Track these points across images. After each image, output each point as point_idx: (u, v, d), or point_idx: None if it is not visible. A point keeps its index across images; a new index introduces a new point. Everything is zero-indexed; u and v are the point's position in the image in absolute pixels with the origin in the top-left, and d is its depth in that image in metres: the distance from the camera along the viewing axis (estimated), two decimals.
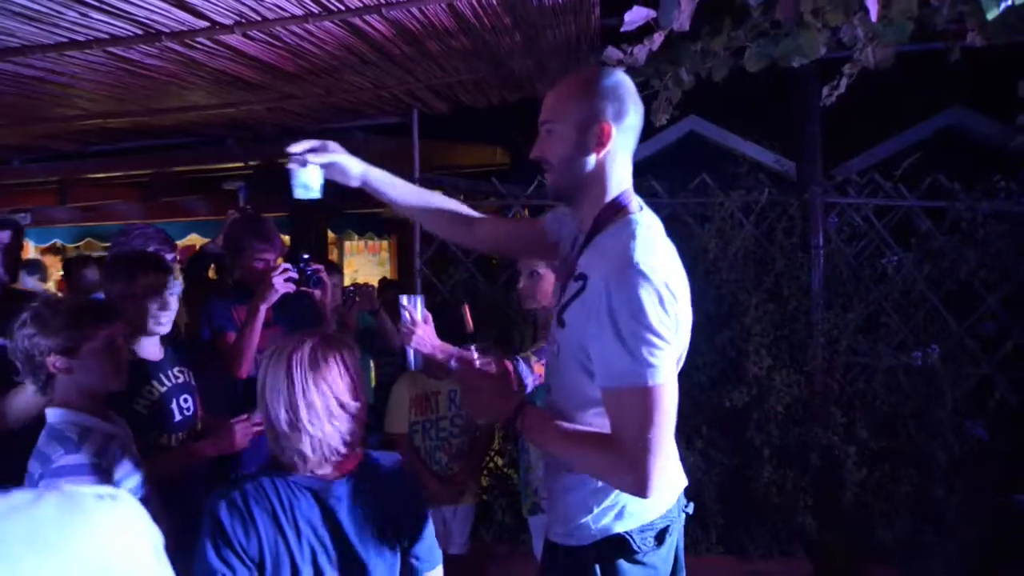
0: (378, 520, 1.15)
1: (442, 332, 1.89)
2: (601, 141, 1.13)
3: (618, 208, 1.17)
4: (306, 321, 2.25)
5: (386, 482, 1.19)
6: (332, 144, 1.48)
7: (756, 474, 2.97)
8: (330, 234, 6.93)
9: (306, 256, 2.27)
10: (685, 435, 2.99)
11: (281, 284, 2.07)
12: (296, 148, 1.42)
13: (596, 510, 1.14)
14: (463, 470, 2.60)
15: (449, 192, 3.91)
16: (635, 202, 1.20)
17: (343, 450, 1.12)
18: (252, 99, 3.42)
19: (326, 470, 1.12)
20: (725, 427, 3.05)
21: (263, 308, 2.06)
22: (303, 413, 1.07)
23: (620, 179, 1.19)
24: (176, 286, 1.85)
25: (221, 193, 5.39)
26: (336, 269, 3.16)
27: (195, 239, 6.05)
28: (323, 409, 1.09)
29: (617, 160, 1.17)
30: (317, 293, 2.25)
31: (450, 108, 3.80)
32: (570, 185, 1.17)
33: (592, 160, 1.15)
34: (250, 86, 3.17)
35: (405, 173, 3.88)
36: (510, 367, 1.28)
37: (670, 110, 2.56)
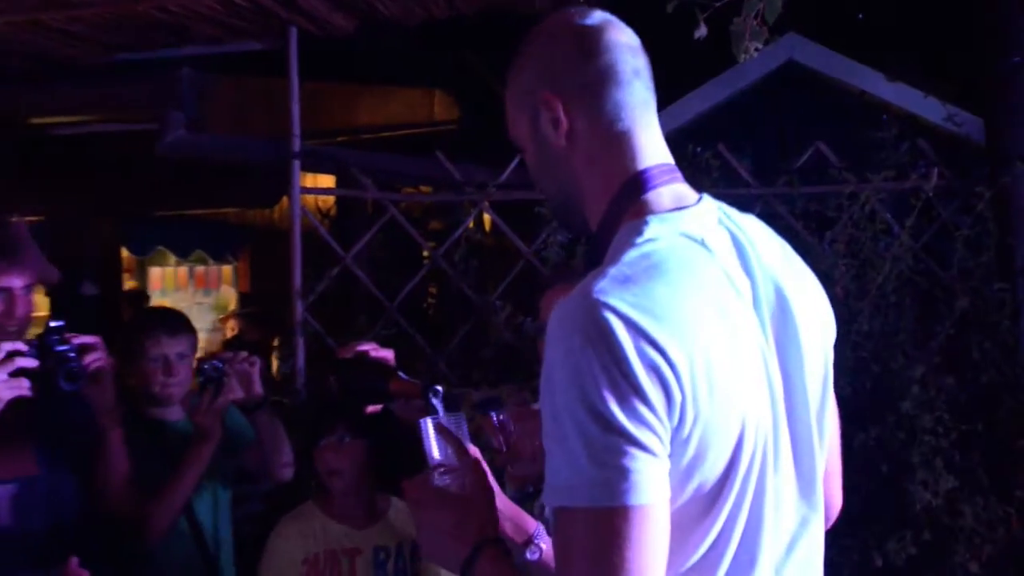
0: None
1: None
2: (555, 121, 1.29)
3: (631, 197, 1.27)
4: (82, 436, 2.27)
5: None
6: None
7: None
8: (125, 254, 6.90)
9: (55, 323, 2.25)
10: None
11: (3, 385, 2.07)
12: None
13: None
14: None
15: (353, 179, 3.96)
16: (668, 192, 1.29)
17: None
18: None
19: None
20: None
21: None
22: None
23: (620, 153, 1.29)
24: None
25: None
26: (180, 323, 3.04)
27: None
28: None
29: (597, 137, 1.30)
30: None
31: (357, 26, 3.85)
32: (569, 202, 1.36)
33: (562, 152, 1.31)
34: None
35: (276, 137, 3.90)
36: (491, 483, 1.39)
37: (762, 35, 2.65)
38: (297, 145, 3.62)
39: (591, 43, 1.29)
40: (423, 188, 4.46)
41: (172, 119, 4.00)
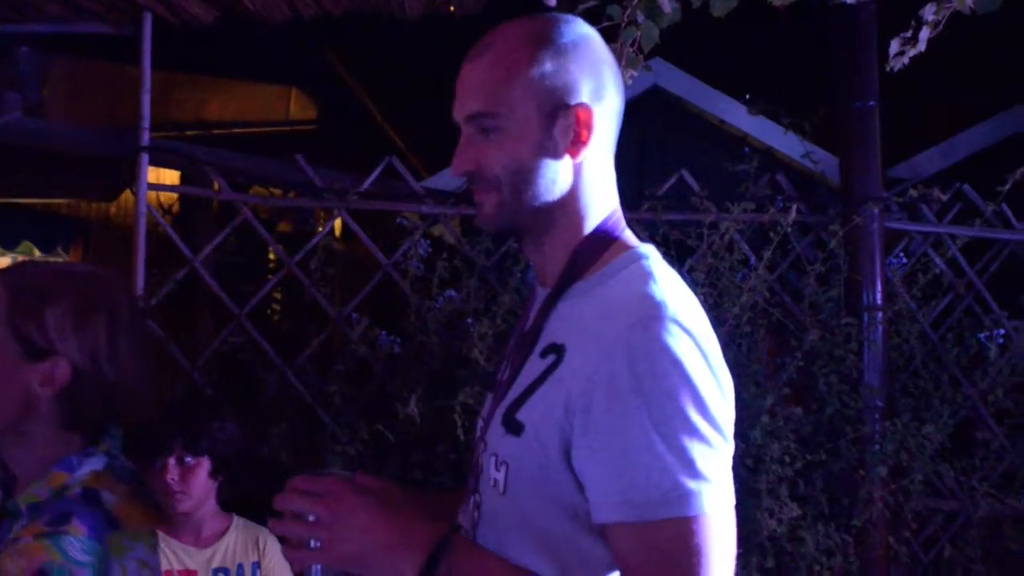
0: None
1: None
2: (578, 136, 1.29)
3: (606, 239, 1.33)
4: None
5: None
6: None
7: None
8: None
9: None
10: None
11: None
12: None
13: None
14: None
15: (203, 176, 3.83)
16: (629, 232, 1.37)
17: None
18: None
19: None
20: None
21: None
22: None
23: (603, 195, 1.35)
24: None
25: None
26: None
27: None
28: None
29: (598, 165, 1.34)
30: None
31: (216, 17, 3.76)
32: (531, 214, 1.31)
33: (565, 167, 1.30)
34: None
35: (119, 126, 3.74)
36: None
37: (639, 63, 2.72)
38: (146, 138, 3.47)
39: (619, 78, 1.34)
40: (273, 189, 4.36)
41: (7, 100, 3.79)
